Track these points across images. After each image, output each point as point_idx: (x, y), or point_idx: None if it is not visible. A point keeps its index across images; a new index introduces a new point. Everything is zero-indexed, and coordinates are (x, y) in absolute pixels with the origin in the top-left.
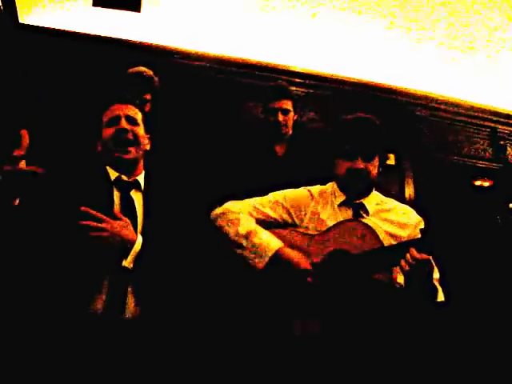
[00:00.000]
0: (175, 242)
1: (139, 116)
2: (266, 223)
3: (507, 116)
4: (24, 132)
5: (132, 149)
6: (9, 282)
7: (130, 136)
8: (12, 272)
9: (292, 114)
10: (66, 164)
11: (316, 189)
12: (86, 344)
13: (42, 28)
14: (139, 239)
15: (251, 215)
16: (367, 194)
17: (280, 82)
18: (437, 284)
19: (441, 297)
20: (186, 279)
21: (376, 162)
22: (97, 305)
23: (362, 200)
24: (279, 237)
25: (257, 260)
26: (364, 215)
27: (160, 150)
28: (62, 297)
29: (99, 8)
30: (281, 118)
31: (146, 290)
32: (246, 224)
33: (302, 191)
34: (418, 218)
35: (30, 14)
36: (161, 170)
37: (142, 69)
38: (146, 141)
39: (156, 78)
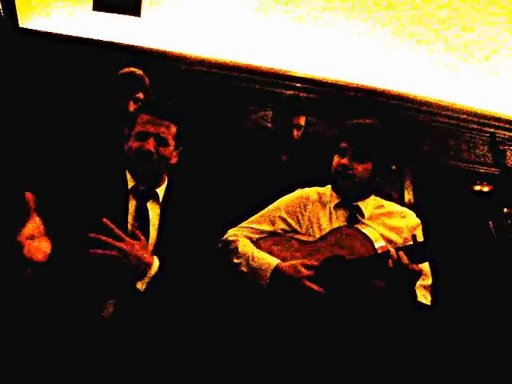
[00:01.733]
0: (188, 262)
1: (172, 133)
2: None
3: (507, 121)
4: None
5: (153, 167)
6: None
7: (154, 157)
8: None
9: (304, 127)
10: (80, 166)
11: (314, 190)
12: (96, 349)
13: (42, 32)
14: (156, 262)
15: (249, 238)
16: (363, 197)
17: (296, 96)
18: (424, 291)
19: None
20: (196, 299)
21: (368, 166)
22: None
23: (358, 203)
24: (278, 246)
25: (259, 281)
26: (360, 218)
27: (182, 163)
28: (73, 302)
29: (99, 12)
30: (295, 133)
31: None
32: (243, 250)
33: (298, 194)
34: (417, 221)
35: (30, 19)
36: (181, 182)
37: (132, 69)
38: (174, 155)
39: (146, 78)
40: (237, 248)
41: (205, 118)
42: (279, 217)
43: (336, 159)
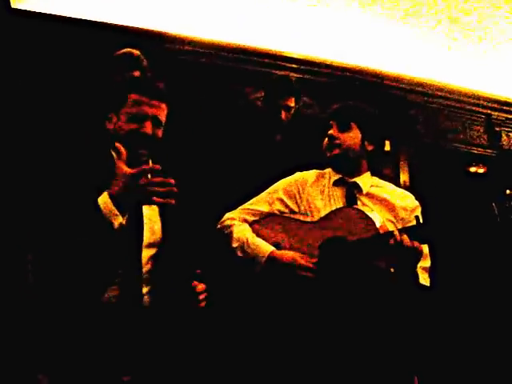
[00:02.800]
0: (183, 245)
1: (165, 113)
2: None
3: (503, 102)
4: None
5: (149, 149)
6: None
7: (151, 140)
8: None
9: (294, 108)
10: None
11: (313, 172)
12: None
13: (34, 13)
14: None
15: (246, 220)
16: (359, 171)
17: (286, 76)
18: (423, 272)
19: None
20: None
21: (354, 132)
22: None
23: (356, 179)
24: (277, 227)
25: (254, 267)
26: (357, 194)
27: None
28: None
29: None
30: (283, 115)
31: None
32: (238, 235)
33: (297, 177)
34: (415, 203)
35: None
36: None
37: (129, 49)
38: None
39: (144, 58)
40: (232, 233)
41: (198, 99)
42: (277, 198)
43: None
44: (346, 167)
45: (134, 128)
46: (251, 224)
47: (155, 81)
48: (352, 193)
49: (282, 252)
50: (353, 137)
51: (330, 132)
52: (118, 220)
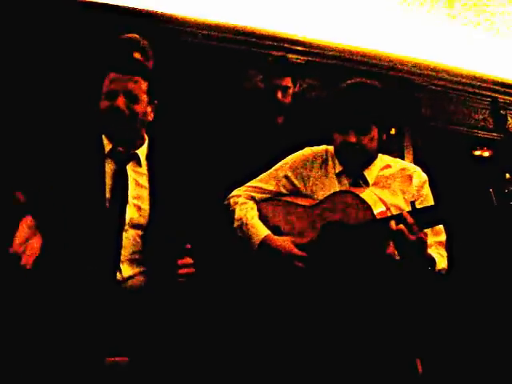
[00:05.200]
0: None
1: (143, 88)
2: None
3: (508, 85)
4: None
5: (126, 125)
6: None
7: (126, 115)
8: None
9: (291, 88)
10: (60, 132)
11: (323, 148)
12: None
13: None
14: None
15: (253, 198)
16: (368, 165)
17: (280, 56)
18: (440, 247)
19: (441, 265)
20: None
21: (373, 133)
22: None
23: (364, 172)
24: (279, 209)
25: (250, 245)
26: (363, 185)
27: (163, 121)
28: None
29: None
30: (279, 95)
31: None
32: (239, 215)
33: (306, 153)
34: (424, 177)
35: None
36: (164, 142)
37: (130, 35)
38: (149, 111)
39: (145, 41)
40: (234, 211)
41: (198, 79)
42: (284, 176)
43: (338, 137)
44: (358, 166)
45: (108, 105)
46: (258, 202)
47: (129, 56)
48: (358, 184)
49: (276, 238)
50: (372, 137)
51: (351, 139)
52: None
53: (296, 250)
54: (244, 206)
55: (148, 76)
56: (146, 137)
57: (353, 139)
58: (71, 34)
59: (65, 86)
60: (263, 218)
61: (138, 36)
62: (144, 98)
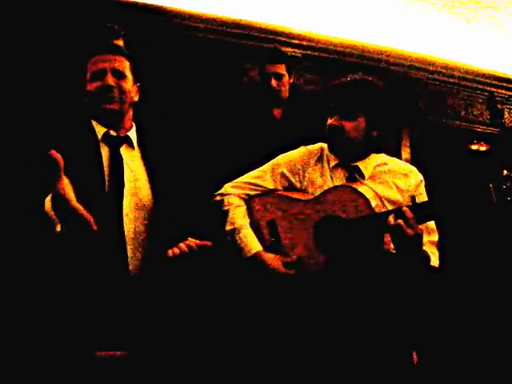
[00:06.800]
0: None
1: (127, 66)
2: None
3: (505, 80)
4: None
5: (118, 103)
6: None
7: (116, 93)
8: None
9: (287, 77)
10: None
11: (318, 146)
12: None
13: None
14: None
15: (248, 195)
16: (362, 156)
17: (273, 46)
18: (432, 247)
19: (434, 262)
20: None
21: (359, 123)
22: None
23: (358, 163)
24: (274, 203)
25: (241, 253)
26: (359, 178)
27: (153, 105)
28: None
29: None
30: (274, 83)
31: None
32: (233, 219)
33: (300, 151)
34: (420, 177)
35: None
36: (155, 124)
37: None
38: (135, 91)
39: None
40: (227, 212)
41: (195, 72)
42: (281, 173)
43: (328, 120)
44: (348, 155)
45: (99, 85)
46: (252, 197)
47: (109, 38)
48: (353, 177)
49: (267, 256)
50: (358, 126)
51: (332, 121)
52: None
53: (283, 269)
54: (238, 209)
55: (129, 56)
56: (132, 122)
57: (335, 122)
58: (63, 24)
59: (50, 77)
60: (258, 212)
61: (120, 26)
62: (129, 76)
